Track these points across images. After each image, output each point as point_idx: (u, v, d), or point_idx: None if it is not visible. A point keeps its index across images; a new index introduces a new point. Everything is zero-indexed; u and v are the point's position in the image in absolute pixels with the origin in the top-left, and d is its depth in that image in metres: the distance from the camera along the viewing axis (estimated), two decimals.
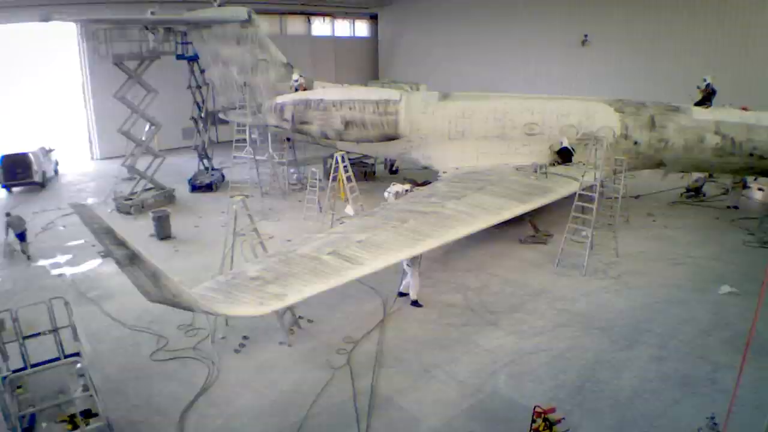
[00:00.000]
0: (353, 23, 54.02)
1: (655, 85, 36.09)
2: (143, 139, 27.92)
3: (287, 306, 13.62)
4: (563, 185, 21.35)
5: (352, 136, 25.80)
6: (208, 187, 30.76)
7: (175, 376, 13.94)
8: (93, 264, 20.97)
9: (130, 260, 9.96)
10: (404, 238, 15.79)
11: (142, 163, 27.88)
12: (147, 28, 27.09)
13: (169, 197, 28.36)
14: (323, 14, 50.46)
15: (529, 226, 22.38)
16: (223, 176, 31.72)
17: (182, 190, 30.21)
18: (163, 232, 23.36)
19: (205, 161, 32.38)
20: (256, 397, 13.07)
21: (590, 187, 20.20)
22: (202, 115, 31.76)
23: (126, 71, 26.76)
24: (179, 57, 30.40)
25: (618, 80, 38.99)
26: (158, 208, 25.51)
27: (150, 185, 28.05)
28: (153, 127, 28.32)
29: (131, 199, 26.71)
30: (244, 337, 15.43)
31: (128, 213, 26.25)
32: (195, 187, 30.76)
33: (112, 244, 9.90)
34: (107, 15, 29.75)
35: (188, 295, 10.71)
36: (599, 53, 41.65)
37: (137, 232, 23.35)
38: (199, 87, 31.26)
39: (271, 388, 13.40)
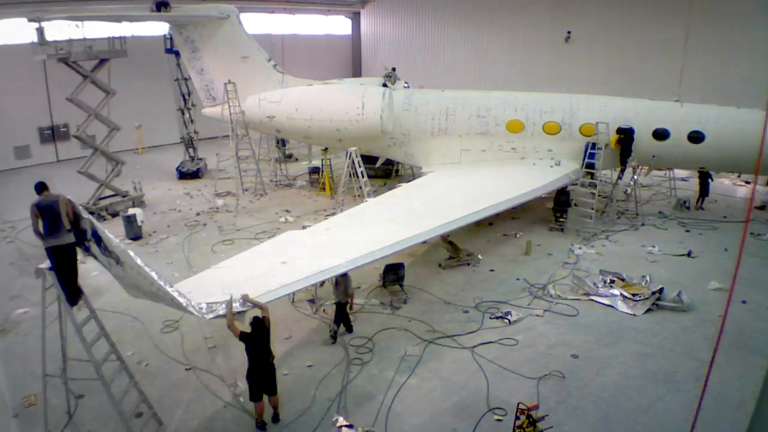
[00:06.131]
0: (336, 21, 53.70)
1: (638, 81, 36.34)
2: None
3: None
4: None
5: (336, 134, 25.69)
6: (195, 175, 32.80)
7: (159, 373, 13.81)
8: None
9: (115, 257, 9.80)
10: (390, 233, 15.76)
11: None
12: None
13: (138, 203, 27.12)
14: (306, 12, 50.19)
15: (445, 248, 20.47)
16: (206, 165, 34.00)
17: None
18: (133, 232, 22.89)
19: (191, 150, 34.03)
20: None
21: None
22: (188, 106, 33.47)
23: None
24: (168, 51, 31.54)
25: (601, 76, 39.27)
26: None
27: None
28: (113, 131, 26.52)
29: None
30: None
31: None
32: (182, 174, 32.76)
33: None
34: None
35: (171, 291, 10.54)
36: (582, 50, 41.86)
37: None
38: (185, 79, 32.56)
39: None
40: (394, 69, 31.80)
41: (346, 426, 11.65)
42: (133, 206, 25.60)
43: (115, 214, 25.44)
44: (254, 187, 29.41)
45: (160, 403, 12.38)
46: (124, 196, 26.64)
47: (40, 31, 23.26)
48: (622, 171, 24.47)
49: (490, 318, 16.35)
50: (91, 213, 23.63)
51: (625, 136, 22.89)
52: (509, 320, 16.13)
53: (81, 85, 24.82)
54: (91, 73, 25.08)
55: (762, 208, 25.87)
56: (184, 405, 12.59)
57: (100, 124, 25.71)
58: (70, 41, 24.31)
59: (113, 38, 26.11)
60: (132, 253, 9.60)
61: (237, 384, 13.21)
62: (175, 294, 10.20)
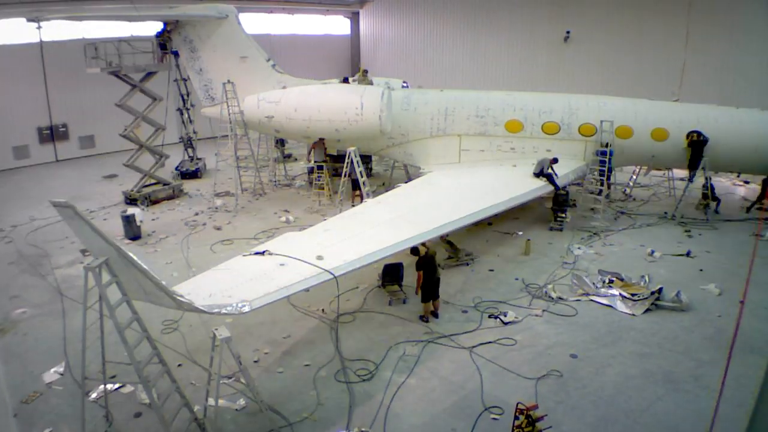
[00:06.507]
0: (335, 21, 53.68)
1: (637, 81, 36.38)
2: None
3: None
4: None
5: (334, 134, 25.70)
6: (194, 175, 32.91)
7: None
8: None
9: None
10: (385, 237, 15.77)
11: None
12: None
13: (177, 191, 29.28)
14: (305, 12, 50.18)
15: (444, 248, 20.26)
16: (205, 165, 34.28)
17: None
18: (132, 232, 22.88)
19: (190, 150, 34.22)
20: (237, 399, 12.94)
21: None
22: (187, 106, 33.77)
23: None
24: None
25: (599, 76, 39.31)
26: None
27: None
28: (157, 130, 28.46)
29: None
30: None
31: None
32: (181, 174, 32.71)
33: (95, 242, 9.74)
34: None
35: (170, 292, 10.54)
36: (581, 49, 41.89)
37: None
38: (184, 80, 32.73)
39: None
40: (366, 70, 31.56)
41: None
42: (173, 195, 28.52)
43: (156, 202, 27.62)
44: (253, 187, 29.41)
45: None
46: (165, 185, 28.71)
47: (94, 46, 25.26)
48: (692, 176, 24.06)
49: (488, 317, 16.37)
50: (134, 201, 26.74)
51: (699, 140, 22.94)
52: (502, 320, 16.14)
53: (129, 93, 27.02)
54: (139, 83, 27.33)
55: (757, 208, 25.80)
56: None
57: (122, 117, 27.27)
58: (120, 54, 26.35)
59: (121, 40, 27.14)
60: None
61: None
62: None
